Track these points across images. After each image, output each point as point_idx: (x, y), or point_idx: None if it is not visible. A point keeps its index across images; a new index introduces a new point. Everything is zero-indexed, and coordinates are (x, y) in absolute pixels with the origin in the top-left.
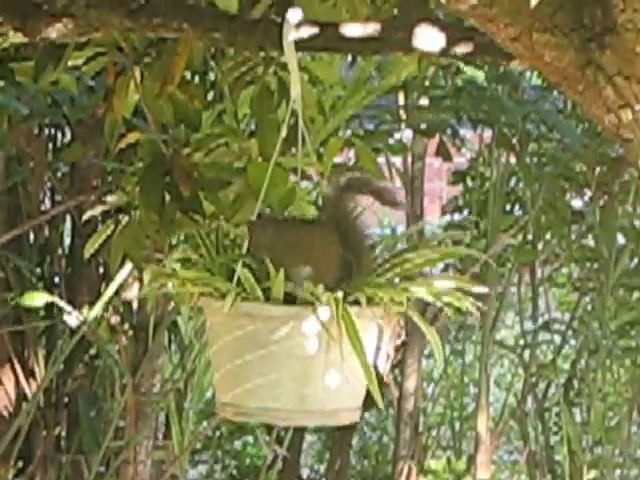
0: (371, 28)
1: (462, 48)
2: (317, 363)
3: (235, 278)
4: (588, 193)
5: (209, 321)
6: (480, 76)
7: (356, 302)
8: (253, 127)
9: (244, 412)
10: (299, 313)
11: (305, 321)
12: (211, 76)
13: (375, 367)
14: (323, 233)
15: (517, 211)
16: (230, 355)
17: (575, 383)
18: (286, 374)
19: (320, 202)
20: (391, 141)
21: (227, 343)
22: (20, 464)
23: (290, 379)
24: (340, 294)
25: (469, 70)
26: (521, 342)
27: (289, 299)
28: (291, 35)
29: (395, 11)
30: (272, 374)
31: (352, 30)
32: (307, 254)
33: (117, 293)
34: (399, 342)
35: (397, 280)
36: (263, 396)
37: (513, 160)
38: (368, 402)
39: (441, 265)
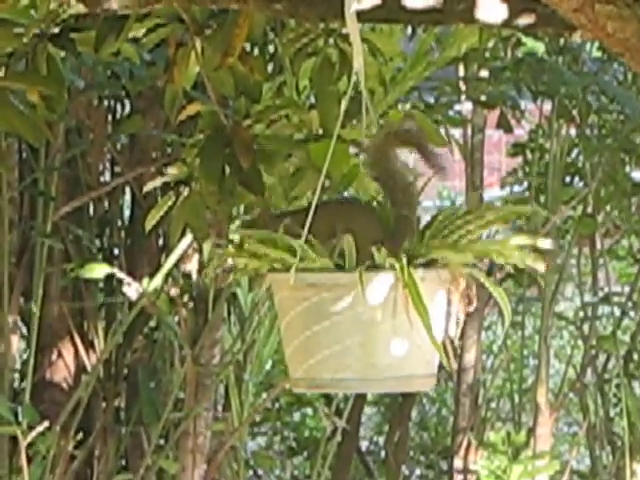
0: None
1: (524, 19)
2: (384, 329)
3: (299, 250)
4: None
5: (277, 297)
6: (540, 48)
7: (421, 265)
8: (313, 99)
9: (317, 384)
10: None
11: (369, 287)
12: (270, 48)
13: (446, 332)
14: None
15: (577, 183)
16: (299, 328)
17: (635, 356)
18: (355, 342)
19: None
20: (451, 113)
21: (295, 317)
22: (80, 436)
23: (359, 347)
24: (404, 258)
25: (529, 42)
26: (581, 314)
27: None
28: (353, 6)
29: None
30: (341, 343)
31: (414, 1)
32: (348, 226)
33: (177, 265)
34: (470, 309)
35: (462, 242)
36: (334, 366)
37: (573, 132)
38: None
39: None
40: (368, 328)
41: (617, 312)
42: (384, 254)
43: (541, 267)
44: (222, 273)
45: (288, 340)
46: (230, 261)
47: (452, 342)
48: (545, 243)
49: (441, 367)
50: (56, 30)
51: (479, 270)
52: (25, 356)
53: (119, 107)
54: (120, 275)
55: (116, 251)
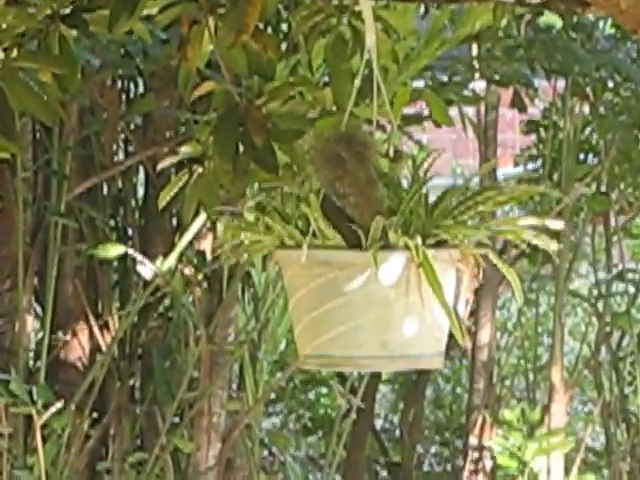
0: None
1: None
2: (397, 308)
3: (311, 228)
4: None
5: (286, 275)
6: (558, 22)
7: (433, 244)
8: (327, 78)
9: (327, 362)
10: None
11: (383, 266)
12: (283, 27)
13: (455, 311)
14: None
15: (591, 160)
16: (310, 306)
17: None
18: (367, 320)
19: (391, 153)
20: (464, 92)
21: (306, 294)
22: (95, 415)
23: (371, 325)
24: (418, 238)
25: (546, 15)
26: (595, 292)
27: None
28: None
29: None
30: (353, 321)
31: None
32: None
33: (191, 244)
34: (477, 286)
35: (475, 220)
36: (345, 344)
37: (587, 110)
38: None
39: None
40: (380, 307)
41: (631, 289)
42: (399, 233)
43: (553, 247)
44: (234, 250)
45: (298, 317)
46: (242, 237)
47: (462, 321)
48: (556, 224)
49: (455, 345)
50: (68, 10)
51: (491, 250)
52: (40, 336)
53: (132, 87)
54: (134, 254)
55: (130, 231)
